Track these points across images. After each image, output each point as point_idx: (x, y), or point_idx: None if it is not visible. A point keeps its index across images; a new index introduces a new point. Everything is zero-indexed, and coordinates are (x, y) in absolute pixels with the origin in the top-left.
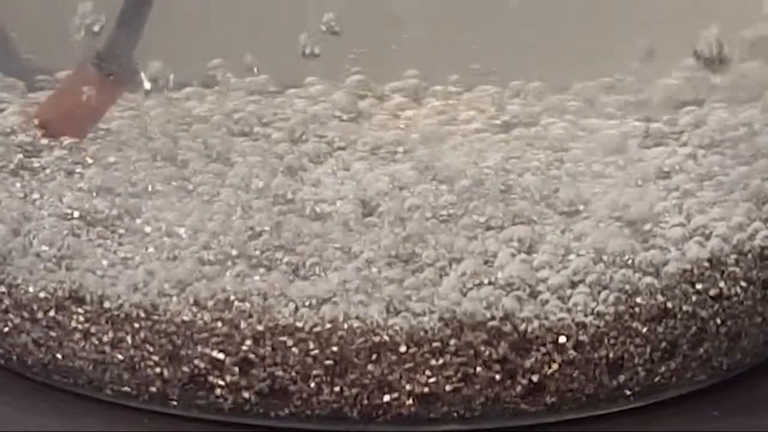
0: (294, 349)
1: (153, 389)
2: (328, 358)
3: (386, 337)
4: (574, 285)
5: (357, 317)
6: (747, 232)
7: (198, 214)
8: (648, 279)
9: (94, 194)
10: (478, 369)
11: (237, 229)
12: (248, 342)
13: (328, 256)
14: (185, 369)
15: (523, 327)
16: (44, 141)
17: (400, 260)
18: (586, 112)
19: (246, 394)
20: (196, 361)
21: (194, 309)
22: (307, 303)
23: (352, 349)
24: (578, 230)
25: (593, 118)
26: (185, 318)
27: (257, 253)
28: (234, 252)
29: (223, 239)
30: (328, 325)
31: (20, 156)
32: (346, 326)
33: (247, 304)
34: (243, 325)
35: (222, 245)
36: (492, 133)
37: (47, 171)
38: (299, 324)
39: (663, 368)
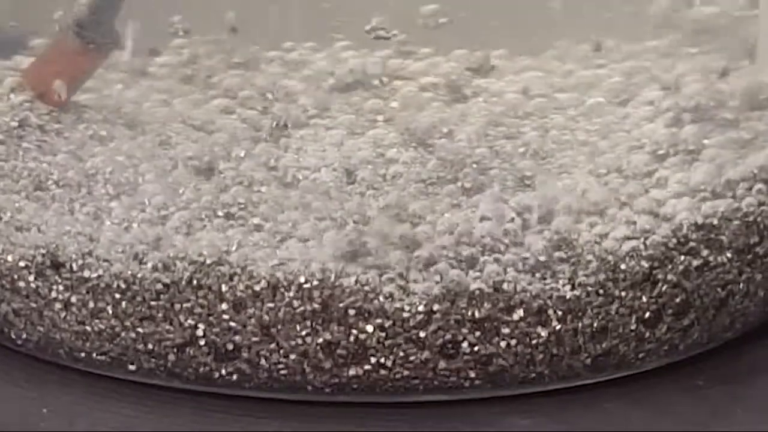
0: (277, 315)
1: (133, 359)
2: (311, 327)
3: (370, 306)
4: (557, 251)
5: (341, 284)
6: (732, 198)
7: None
8: (632, 243)
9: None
10: (462, 337)
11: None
12: (229, 310)
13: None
14: (166, 338)
15: (507, 294)
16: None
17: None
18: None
19: (226, 364)
20: (176, 330)
21: (171, 275)
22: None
23: (338, 312)
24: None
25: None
26: (164, 285)
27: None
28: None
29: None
30: (315, 298)
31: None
32: (331, 287)
33: (226, 268)
34: (224, 288)
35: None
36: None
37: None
38: (283, 282)
39: (648, 337)
